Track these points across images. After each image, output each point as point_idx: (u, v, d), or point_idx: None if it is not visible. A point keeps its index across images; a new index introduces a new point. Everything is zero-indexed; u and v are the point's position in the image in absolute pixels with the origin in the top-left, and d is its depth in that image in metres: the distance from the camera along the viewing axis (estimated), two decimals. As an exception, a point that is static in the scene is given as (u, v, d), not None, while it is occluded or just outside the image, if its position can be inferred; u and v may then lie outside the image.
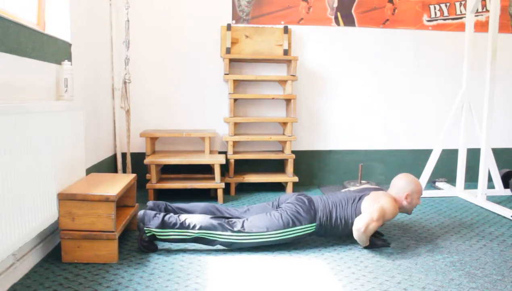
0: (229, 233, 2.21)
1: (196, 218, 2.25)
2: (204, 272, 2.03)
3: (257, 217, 2.30)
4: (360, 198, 2.38)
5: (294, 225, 2.28)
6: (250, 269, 2.07)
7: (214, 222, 2.23)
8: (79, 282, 1.89)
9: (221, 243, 2.24)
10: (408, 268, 2.10)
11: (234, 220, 2.28)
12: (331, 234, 2.40)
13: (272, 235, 2.25)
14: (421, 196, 2.52)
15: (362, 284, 1.93)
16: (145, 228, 2.21)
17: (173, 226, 2.20)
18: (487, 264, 2.16)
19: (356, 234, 2.27)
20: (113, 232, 2.09)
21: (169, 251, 2.27)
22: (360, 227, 2.23)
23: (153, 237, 2.24)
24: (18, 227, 1.70)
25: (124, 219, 2.32)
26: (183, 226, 2.20)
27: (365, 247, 2.35)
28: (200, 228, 2.20)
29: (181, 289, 1.85)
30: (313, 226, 2.31)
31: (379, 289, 1.87)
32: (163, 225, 2.20)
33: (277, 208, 2.42)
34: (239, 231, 2.22)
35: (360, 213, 2.33)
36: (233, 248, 2.29)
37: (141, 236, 2.23)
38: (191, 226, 2.20)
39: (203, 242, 2.24)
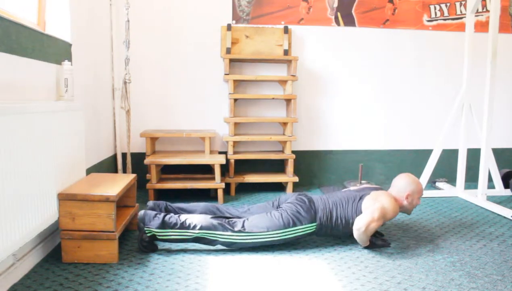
0: (229, 233, 2.21)
1: (196, 218, 2.25)
2: (204, 272, 2.03)
3: (258, 217, 2.30)
4: (361, 198, 2.38)
5: (294, 224, 2.28)
6: (250, 269, 2.07)
7: (215, 222, 2.23)
8: (79, 282, 1.89)
9: (222, 243, 2.24)
10: (408, 268, 2.10)
11: (234, 219, 2.28)
12: (332, 234, 2.40)
13: (272, 235, 2.25)
14: (422, 196, 2.50)
15: (362, 284, 1.93)
16: (145, 228, 2.21)
17: (173, 226, 2.20)
18: (487, 264, 2.16)
19: (356, 234, 2.27)
20: (113, 232, 2.09)
21: (169, 251, 2.28)
22: (361, 226, 2.23)
23: (154, 237, 2.24)
24: (18, 227, 1.70)
25: (124, 219, 2.32)
26: (183, 226, 2.20)
27: (365, 247, 2.35)
28: (201, 228, 2.20)
29: (181, 289, 1.85)
30: (313, 225, 2.31)
31: (379, 289, 1.87)
32: (164, 225, 2.20)
33: (277, 208, 2.42)
34: (239, 231, 2.22)
35: (360, 212, 2.33)
36: (233, 248, 2.29)
37: (141, 236, 2.23)
38: (192, 226, 2.20)
39: (204, 241, 2.24)
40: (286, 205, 2.36)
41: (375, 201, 2.33)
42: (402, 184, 2.45)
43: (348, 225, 2.35)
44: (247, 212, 2.46)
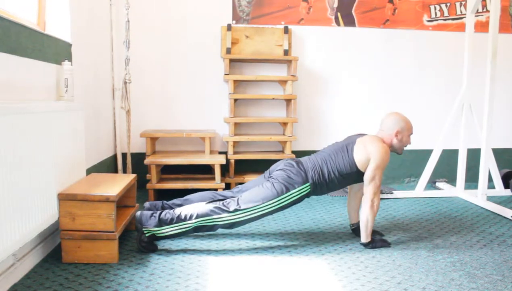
0: (226, 214, 2.20)
1: (191, 208, 2.24)
2: (204, 272, 2.03)
3: (250, 192, 2.28)
4: (350, 148, 2.34)
5: (288, 190, 2.26)
6: (250, 269, 2.07)
7: (210, 206, 2.22)
8: (79, 282, 1.89)
9: (222, 226, 2.23)
10: (409, 268, 2.10)
11: (228, 200, 2.27)
12: (329, 189, 2.37)
13: (269, 205, 2.24)
14: (412, 134, 2.43)
15: (362, 284, 1.93)
16: (143, 229, 2.21)
17: (170, 221, 2.19)
18: (487, 264, 2.16)
19: (366, 208, 2.29)
20: (113, 232, 2.09)
21: (169, 251, 2.28)
22: (369, 199, 2.27)
23: (153, 237, 2.24)
24: (19, 227, 1.70)
25: (125, 219, 2.32)
26: (180, 219, 2.20)
27: (365, 245, 2.35)
28: (197, 217, 2.19)
29: (181, 289, 1.85)
30: (307, 186, 2.29)
31: (379, 289, 1.87)
32: (161, 222, 2.20)
33: (268, 179, 2.39)
34: (235, 210, 2.21)
35: (354, 163, 2.30)
36: (234, 228, 2.29)
37: (140, 236, 2.23)
38: (188, 217, 2.19)
39: (204, 229, 2.24)
40: (275, 173, 2.34)
41: (365, 149, 2.30)
42: (390, 122, 2.40)
43: (344, 177, 2.33)
44: (240, 191, 2.44)
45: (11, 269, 1.84)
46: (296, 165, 2.33)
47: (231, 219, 2.21)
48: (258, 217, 2.25)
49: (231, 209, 2.21)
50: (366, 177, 2.30)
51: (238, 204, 2.23)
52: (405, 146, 2.44)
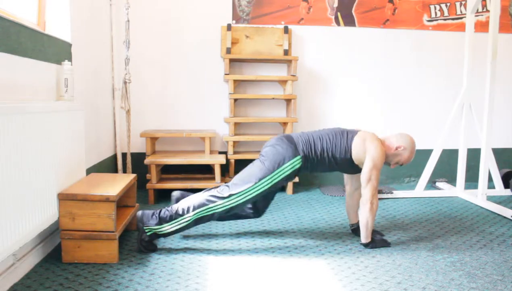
0: (221, 201, 2.20)
1: (186, 201, 2.24)
2: (204, 272, 2.03)
3: (242, 173, 2.28)
4: (352, 138, 2.32)
5: (279, 165, 2.23)
6: (250, 269, 2.07)
7: (205, 196, 2.23)
8: (79, 282, 1.89)
9: (220, 213, 2.23)
10: (408, 268, 2.10)
11: (222, 187, 2.26)
12: (318, 167, 2.34)
13: (262, 184, 2.22)
14: (408, 163, 2.45)
15: (362, 284, 1.93)
16: (144, 228, 2.21)
17: (169, 219, 2.20)
18: (487, 264, 2.16)
19: (365, 210, 2.29)
20: (113, 232, 2.09)
21: (169, 251, 2.28)
22: (367, 200, 2.27)
23: (155, 236, 2.24)
24: (19, 227, 1.70)
25: (125, 219, 2.32)
26: (178, 214, 2.21)
27: (365, 245, 2.35)
28: (194, 209, 2.20)
29: (181, 289, 1.85)
30: (298, 159, 2.26)
31: (379, 289, 1.87)
32: (161, 221, 2.21)
33: (259, 158, 2.36)
34: (229, 196, 2.20)
35: (349, 151, 2.29)
36: (232, 212, 2.28)
37: (140, 236, 2.23)
38: (185, 210, 2.20)
39: (204, 220, 2.24)
40: (265, 150, 2.32)
41: (363, 143, 2.29)
42: (400, 136, 2.41)
43: (335, 160, 2.31)
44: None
45: (11, 269, 1.84)
46: (286, 139, 2.31)
47: (227, 205, 2.21)
48: (254, 197, 2.24)
49: (226, 194, 2.21)
50: (363, 178, 2.29)
51: (231, 188, 2.22)
52: (399, 164, 2.43)
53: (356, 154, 2.30)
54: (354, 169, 2.37)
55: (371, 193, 2.28)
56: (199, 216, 2.22)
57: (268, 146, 2.32)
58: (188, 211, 2.20)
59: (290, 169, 2.25)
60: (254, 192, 2.22)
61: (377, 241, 2.37)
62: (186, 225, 2.22)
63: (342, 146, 2.31)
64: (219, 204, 2.21)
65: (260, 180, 2.21)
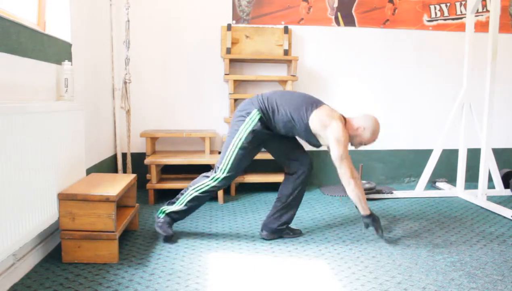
0: (210, 178, 2.41)
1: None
2: (204, 272, 2.03)
3: (222, 150, 2.45)
4: (311, 111, 2.33)
5: (243, 121, 2.35)
6: (250, 269, 2.07)
7: (200, 175, 2.47)
8: (79, 282, 1.89)
9: (216, 186, 2.41)
10: (408, 268, 2.10)
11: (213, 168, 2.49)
12: (276, 122, 2.36)
13: (233, 147, 2.35)
14: (372, 142, 2.49)
15: (362, 284, 1.93)
16: (160, 209, 2.47)
17: (176, 199, 2.45)
18: (487, 264, 2.16)
19: (350, 189, 2.32)
20: (113, 232, 2.09)
21: (169, 251, 2.28)
22: (336, 158, 2.30)
23: (168, 218, 2.44)
24: (19, 227, 1.70)
25: (125, 219, 2.32)
26: (181, 194, 2.45)
27: (366, 218, 2.39)
28: (189, 187, 2.43)
29: (181, 289, 1.85)
30: (257, 112, 2.34)
31: (379, 289, 1.87)
32: (169, 203, 2.47)
33: None
34: (217, 168, 2.41)
35: (307, 121, 2.31)
36: (228, 183, 2.43)
37: (156, 218, 2.47)
38: (185, 190, 2.45)
39: (205, 199, 2.44)
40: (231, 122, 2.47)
41: (319, 124, 2.31)
42: (363, 118, 2.45)
43: (292, 118, 2.33)
44: None
45: (11, 269, 1.84)
46: (247, 100, 2.45)
47: (219, 179, 2.39)
48: (235, 163, 2.36)
49: (213, 173, 2.43)
50: (335, 159, 2.31)
51: (215, 166, 2.44)
52: (362, 144, 2.47)
53: (313, 128, 2.34)
54: (313, 139, 2.40)
55: (348, 171, 2.31)
56: (197, 192, 2.41)
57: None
58: (187, 189, 2.43)
59: (252, 121, 2.35)
60: (231, 157, 2.36)
61: (377, 220, 2.43)
62: (190, 204, 2.42)
63: (301, 114, 2.33)
64: (210, 180, 2.40)
65: (230, 145, 2.36)
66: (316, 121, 2.32)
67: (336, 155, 2.31)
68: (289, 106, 2.35)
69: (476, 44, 3.61)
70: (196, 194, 2.41)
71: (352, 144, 2.49)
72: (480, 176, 3.26)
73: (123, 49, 3.34)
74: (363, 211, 2.39)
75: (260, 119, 2.34)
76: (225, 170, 2.38)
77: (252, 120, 2.34)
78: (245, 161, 2.39)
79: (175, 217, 2.44)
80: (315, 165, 3.91)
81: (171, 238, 2.43)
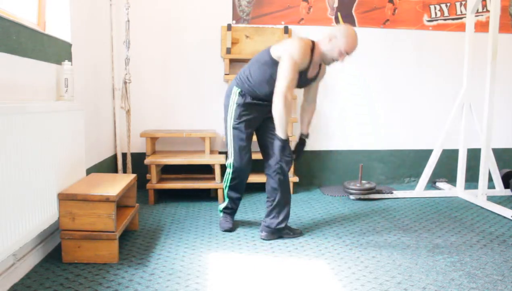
0: (227, 167, 2.56)
1: None
2: (204, 272, 2.03)
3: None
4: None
5: (228, 103, 2.49)
6: (250, 269, 2.07)
7: None
8: (79, 282, 1.89)
9: (236, 174, 2.53)
10: (409, 268, 2.10)
11: None
12: (255, 80, 2.41)
13: (230, 127, 2.47)
14: (350, 53, 2.40)
15: (362, 284, 1.93)
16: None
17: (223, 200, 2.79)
18: (487, 264, 2.16)
19: (278, 101, 2.26)
20: (113, 232, 2.09)
21: (169, 251, 2.28)
22: (279, 93, 2.26)
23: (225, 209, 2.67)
24: (19, 227, 1.70)
25: (125, 219, 2.32)
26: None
27: (284, 142, 2.35)
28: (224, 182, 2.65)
29: (181, 289, 1.85)
30: (236, 88, 2.47)
31: (379, 289, 1.87)
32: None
33: None
34: (228, 158, 2.55)
35: (270, 52, 2.38)
36: (239, 165, 2.50)
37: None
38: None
39: (237, 187, 2.60)
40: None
41: (281, 44, 2.38)
42: (334, 28, 2.38)
43: (262, 63, 2.40)
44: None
45: (11, 269, 1.84)
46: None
47: (228, 162, 2.53)
48: (235, 145, 2.47)
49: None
50: (278, 71, 2.27)
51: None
52: (335, 59, 2.39)
53: (275, 53, 2.34)
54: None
55: (285, 84, 2.25)
56: (227, 184, 2.59)
57: None
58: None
59: (235, 98, 2.46)
60: (230, 139, 2.47)
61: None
62: (228, 196, 2.63)
63: (264, 53, 2.42)
64: (227, 167, 2.55)
65: (227, 129, 2.50)
66: (276, 45, 2.40)
67: (280, 67, 2.27)
68: (255, 59, 2.48)
69: (476, 44, 3.61)
70: (227, 186, 2.60)
71: (334, 61, 2.41)
72: (480, 176, 3.26)
73: (123, 49, 3.34)
74: (281, 134, 2.33)
75: (240, 93, 2.45)
76: (231, 153, 2.51)
77: (235, 96, 2.46)
78: (242, 142, 2.46)
79: (227, 211, 2.68)
80: (315, 165, 3.93)
81: (230, 230, 2.62)
